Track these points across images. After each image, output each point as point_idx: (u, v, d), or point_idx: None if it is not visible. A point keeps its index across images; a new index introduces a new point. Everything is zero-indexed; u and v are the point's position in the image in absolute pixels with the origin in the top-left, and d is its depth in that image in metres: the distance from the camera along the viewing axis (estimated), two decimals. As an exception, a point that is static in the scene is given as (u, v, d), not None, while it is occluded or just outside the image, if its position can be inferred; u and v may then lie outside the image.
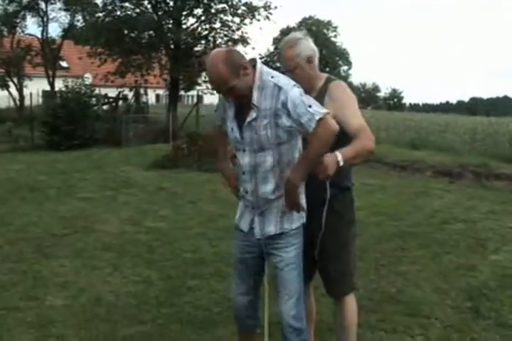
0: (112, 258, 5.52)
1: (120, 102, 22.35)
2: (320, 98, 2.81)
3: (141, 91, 23.44)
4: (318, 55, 2.98)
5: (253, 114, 2.60)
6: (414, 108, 77.44)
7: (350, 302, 3.13)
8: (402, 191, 9.44)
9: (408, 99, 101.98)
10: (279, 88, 2.54)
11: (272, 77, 2.59)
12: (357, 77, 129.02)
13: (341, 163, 2.52)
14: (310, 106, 2.50)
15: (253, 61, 2.64)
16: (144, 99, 24.08)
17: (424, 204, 8.28)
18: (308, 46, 2.92)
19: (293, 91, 2.54)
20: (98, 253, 5.72)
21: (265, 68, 2.64)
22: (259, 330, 3.03)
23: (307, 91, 2.72)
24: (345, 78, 55.19)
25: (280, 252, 2.75)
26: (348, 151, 2.59)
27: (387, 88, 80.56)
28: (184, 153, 12.62)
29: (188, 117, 19.94)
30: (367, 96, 68.93)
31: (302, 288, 2.81)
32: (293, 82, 2.60)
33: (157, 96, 38.83)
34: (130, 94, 23.09)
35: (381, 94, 74.62)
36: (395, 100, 72.69)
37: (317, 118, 2.48)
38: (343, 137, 2.66)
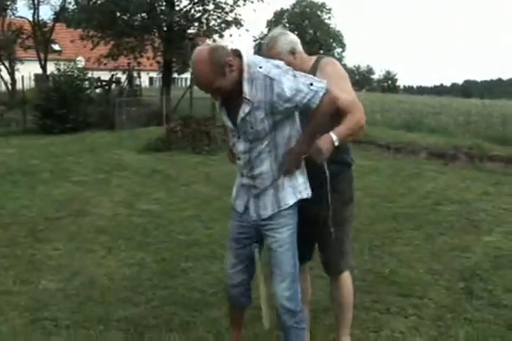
0: (106, 241, 5.50)
1: (113, 85, 22.24)
2: (312, 73, 2.83)
3: (134, 74, 23.32)
4: (299, 41, 3.00)
5: (246, 108, 2.55)
6: (409, 90, 77.03)
7: (347, 279, 3.19)
8: (396, 173, 9.46)
9: (402, 82, 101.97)
10: (271, 79, 2.49)
11: (261, 68, 2.52)
12: (351, 59, 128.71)
13: (336, 143, 2.60)
14: (311, 84, 2.51)
15: (237, 52, 2.58)
16: (137, 81, 23.97)
17: (418, 186, 8.30)
18: (287, 40, 2.94)
19: (286, 79, 2.50)
20: (91, 236, 5.71)
21: (252, 58, 2.59)
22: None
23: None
24: (339, 60, 54.29)
25: (274, 233, 2.75)
26: (342, 130, 2.66)
27: (381, 70, 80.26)
28: (178, 136, 12.56)
29: (181, 100, 19.82)
30: (361, 79, 68.62)
31: (297, 269, 2.80)
32: (283, 67, 2.56)
33: (150, 79, 38.63)
34: (123, 77, 22.98)
35: (375, 77, 74.27)
36: (389, 82, 72.33)
37: (321, 94, 2.51)
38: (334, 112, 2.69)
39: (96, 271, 4.70)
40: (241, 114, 2.57)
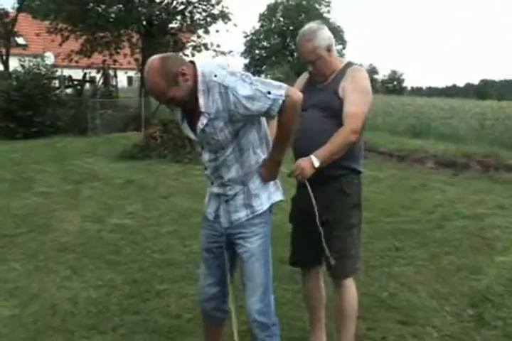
0: (71, 260, 5.47)
1: (86, 85, 22.21)
2: (336, 80, 3.24)
3: (110, 72, 23.28)
4: (334, 40, 3.31)
5: (203, 120, 2.71)
6: (417, 92, 77.59)
7: (351, 286, 3.40)
8: (398, 183, 9.49)
9: (410, 83, 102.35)
10: (225, 88, 2.63)
11: (216, 76, 2.65)
12: (352, 57, 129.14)
13: (316, 165, 2.98)
14: (269, 93, 2.63)
15: (191, 62, 2.75)
16: (113, 81, 23.93)
17: (422, 199, 8.31)
18: (326, 35, 3.24)
19: (242, 86, 2.62)
20: (55, 254, 5.67)
21: (207, 67, 2.71)
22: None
23: (326, 76, 3.26)
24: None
25: (244, 242, 2.90)
26: (324, 151, 3.03)
27: (386, 70, 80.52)
28: (157, 143, 12.62)
29: (161, 103, 19.74)
30: None
31: (270, 280, 2.95)
32: (239, 74, 2.67)
33: (129, 79, 38.61)
34: (97, 76, 22.93)
35: (379, 77, 74.73)
36: (395, 83, 72.83)
37: (280, 102, 2.65)
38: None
39: (57, 294, 4.66)
40: (200, 126, 2.73)
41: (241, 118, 2.69)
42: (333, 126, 3.15)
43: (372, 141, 11.56)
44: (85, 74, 22.16)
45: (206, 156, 2.87)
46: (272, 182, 2.94)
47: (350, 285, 3.41)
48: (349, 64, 3.34)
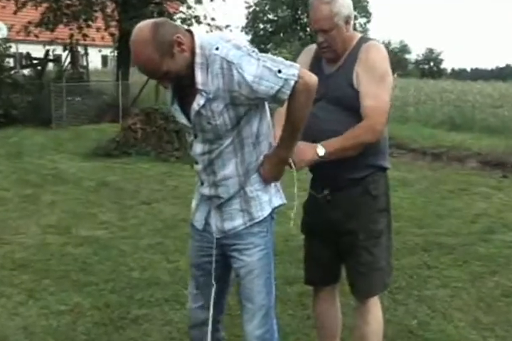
0: (27, 281, 5.45)
1: (49, 65, 22.03)
2: (348, 63, 3.23)
3: (80, 50, 23.06)
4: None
5: (200, 100, 2.70)
6: (459, 75, 77.47)
7: (376, 307, 3.44)
8: (432, 188, 9.48)
9: (450, 64, 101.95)
10: (229, 63, 2.62)
11: (217, 49, 2.64)
12: (378, 32, 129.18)
13: (321, 154, 3.02)
14: (280, 72, 2.61)
15: (188, 30, 2.73)
16: (83, 61, 23.74)
17: (463, 207, 8.30)
18: (346, 2, 3.23)
19: (249, 63, 2.62)
20: (7, 274, 5.66)
21: (206, 39, 2.71)
22: None
23: (338, 53, 3.23)
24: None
25: (242, 255, 2.91)
26: (334, 143, 3.06)
27: (420, 49, 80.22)
28: (138, 137, 12.67)
29: (144, 87, 19.86)
30: (392, 60, 68.59)
31: (272, 301, 2.97)
32: (245, 48, 2.67)
33: (104, 58, 38.48)
34: (63, 55, 22.70)
35: (412, 57, 74.60)
36: (431, 64, 72.67)
37: (292, 83, 2.62)
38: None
39: (9, 323, 4.63)
40: (195, 107, 2.71)
41: (245, 102, 2.68)
42: (347, 119, 3.17)
43: (401, 136, 11.54)
44: (48, 51, 21.75)
45: (199, 148, 2.85)
46: (272, 185, 2.94)
47: (375, 306, 3.43)
48: (362, 39, 3.31)
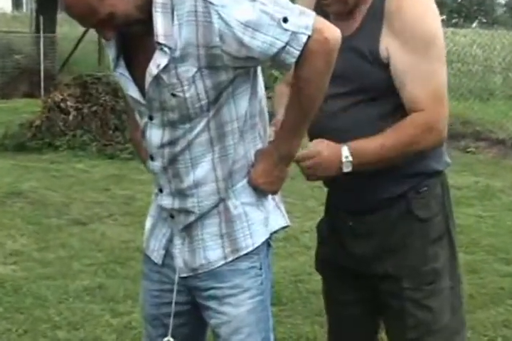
0: None
1: None
2: (372, 19, 2.37)
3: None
4: None
5: (161, 61, 2.01)
6: None
7: None
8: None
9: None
10: (206, 3, 1.91)
11: None
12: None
13: (347, 168, 2.28)
14: (285, 21, 1.93)
15: None
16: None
17: None
18: None
19: (236, 2, 1.92)
20: None
21: None
22: None
23: (348, 4, 2.36)
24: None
25: (222, 306, 2.26)
26: (370, 150, 2.32)
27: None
28: (69, 120, 10.04)
29: (80, 43, 17.01)
30: (466, 4, 55.16)
31: None
32: None
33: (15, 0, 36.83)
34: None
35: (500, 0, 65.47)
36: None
37: (304, 38, 1.94)
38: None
39: None
40: (152, 71, 2.02)
41: (229, 64, 2.01)
42: (371, 113, 2.39)
43: (481, 121, 9.35)
44: None
45: (156, 136, 2.17)
46: (269, 198, 2.30)
47: None
48: None
